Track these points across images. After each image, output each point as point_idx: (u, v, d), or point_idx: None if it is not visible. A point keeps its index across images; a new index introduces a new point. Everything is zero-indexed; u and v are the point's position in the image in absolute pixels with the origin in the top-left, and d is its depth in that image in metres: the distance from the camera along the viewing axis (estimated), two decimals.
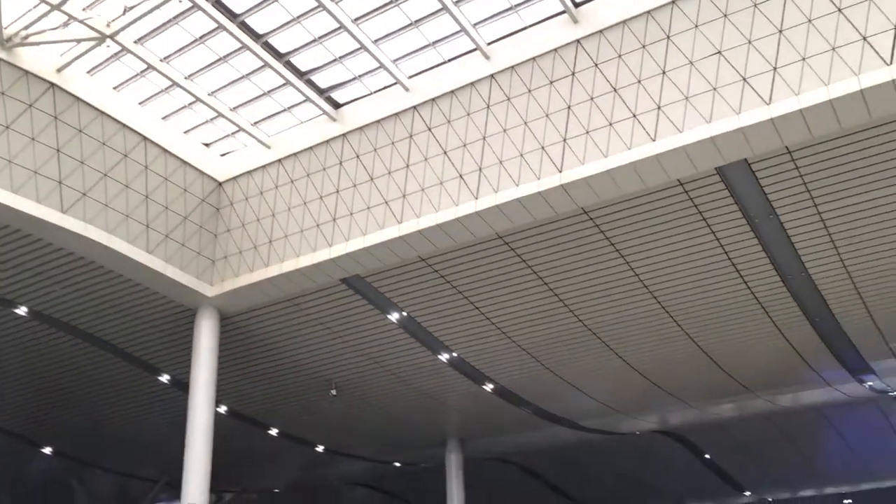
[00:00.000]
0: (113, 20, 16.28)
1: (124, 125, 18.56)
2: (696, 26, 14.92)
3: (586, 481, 44.45)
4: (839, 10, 13.67)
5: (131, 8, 15.99)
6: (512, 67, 16.79)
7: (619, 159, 15.68)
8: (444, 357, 23.99)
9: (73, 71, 17.65)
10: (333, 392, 25.61)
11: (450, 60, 17.76)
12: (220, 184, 20.60)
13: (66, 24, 16.39)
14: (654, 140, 15.36)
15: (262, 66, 17.95)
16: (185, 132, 20.14)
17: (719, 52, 14.76)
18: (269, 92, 19.01)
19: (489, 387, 26.26)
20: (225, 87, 18.84)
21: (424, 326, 22.20)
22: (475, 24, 16.79)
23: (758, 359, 24.47)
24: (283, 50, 17.81)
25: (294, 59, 18.08)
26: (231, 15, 16.70)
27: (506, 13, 16.69)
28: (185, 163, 19.76)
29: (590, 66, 16.01)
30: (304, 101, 18.96)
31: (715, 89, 14.81)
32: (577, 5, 16.13)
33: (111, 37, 16.44)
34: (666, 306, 20.73)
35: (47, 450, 34.82)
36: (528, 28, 16.88)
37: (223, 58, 17.93)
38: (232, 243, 20.55)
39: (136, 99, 19.21)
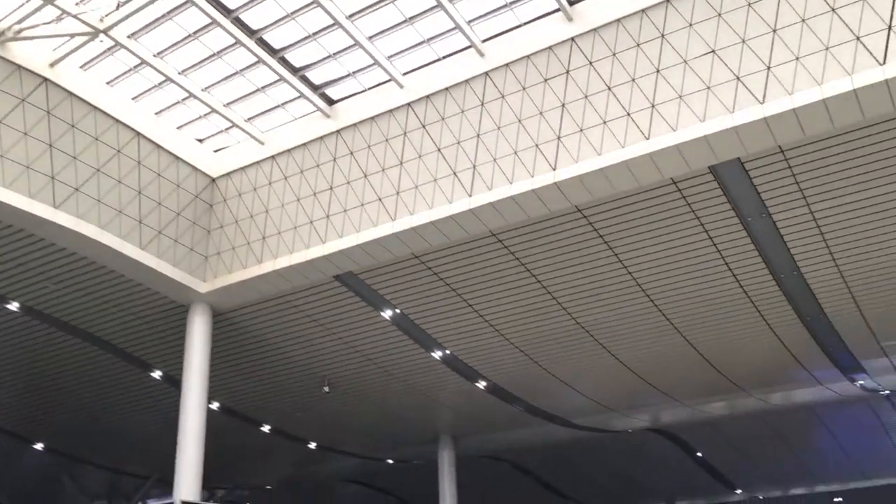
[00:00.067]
0: (106, 15, 16.19)
1: (117, 120, 18.51)
2: (691, 25, 14.94)
3: (578, 479, 44.54)
4: (833, 9, 13.70)
5: (125, 3, 15.90)
6: (506, 65, 16.79)
7: (612, 157, 15.71)
8: (437, 354, 24.00)
9: (66, 66, 17.57)
10: (326, 389, 25.60)
11: (444, 58, 17.75)
12: (213, 180, 20.56)
13: (59, 19, 16.31)
14: (647, 139, 15.39)
15: (257, 62, 17.91)
16: (178, 128, 20.08)
17: (713, 51, 14.79)
18: (263, 88, 18.98)
19: (482, 384, 26.28)
20: (219, 82, 18.78)
21: (417, 323, 22.20)
22: (470, 22, 16.78)
23: (750, 357, 24.55)
24: (277, 46, 17.77)
25: (288, 56, 18.04)
26: (225, 10, 16.65)
27: (500, 11, 16.68)
28: (178, 158, 19.71)
29: (584, 65, 16.02)
30: (299, 97, 18.93)
31: (709, 88, 14.84)
32: (571, 3, 16.13)
33: (105, 32, 16.36)
34: (659, 304, 20.77)
35: (39, 446, 34.73)
36: (522, 26, 16.88)
37: (217, 53, 17.88)
38: (225, 239, 20.51)
39: (129, 94, 19.14)
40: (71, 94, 17.64)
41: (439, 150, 17.62)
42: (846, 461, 39.70)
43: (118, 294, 21.11)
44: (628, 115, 15.59)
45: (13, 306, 21.89)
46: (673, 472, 42.37)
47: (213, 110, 19.26)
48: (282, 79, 18.27)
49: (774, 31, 14.23)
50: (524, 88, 16.64)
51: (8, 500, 40.75)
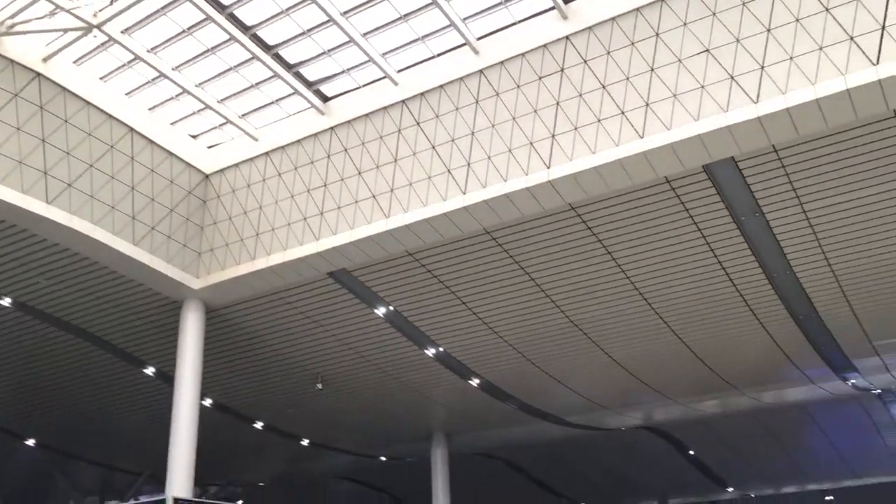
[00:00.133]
0: (100, 10, 16.13)
1: (110, 116, 18.43)
2: (685, 24, 14.96)
3: (571, 477, 44.65)
4: (826, 9, 13.73)
5: None
6: (501, 63, 16.78)
7: (606, 156, 15.72)
8: (430, 352, 24.01)
9: (59, 61, 17.49)
10: (319, 386, 25.60)
11: (439, 55, 17.74)
12: (206, 176, 20.50)
13: (52, 14, 16.22)
14: (641, 137, 15.40)
15: (251, 59, 17.86)
16: (171, 124, 20.03)
17: (707, 51, 14.81)
18: (257, 84, 18.93)
19: (475, 382, 26.30)
20: (212, 78, 18.73)
21: (411, 321, 22.20)
22: (465, 19, 16.77)
23: (743, 356, 24.61)
24: (271, 42, 17.74)
25: (282, 52, 18.01)
26: (219, 6, 16.60)
27: (495, 9, 16.67)
28: (171, 154, 19.66)
29: (579, 63, 16.03)
30: (293, 93, 18.89)
31: (703, 87, 14.86)
32: (566, 1, 16.12)
33: (98, 27, 16.30)
34: (652, 303, 20.81)
35: (31, 442, 34.66)
36: (517, 24, 16.87)
37: (211, 49, 17.83)
38: (218, 236, 20.47)
39: (122, 89, 19.07)
40: (64, 89, 17.56)
41: (434, 147, 17.61)
42: (838, 460, 39.88)
43: (111, 290, 21.06)
44: (622, 113, 15.61)
45: (5, 302, 21.83)
46: (665, 469, 42.51)
47: (207, 106, 19.21)
48: (276, 75, 18.23)
49: (768, 30, 14.25)
50: (519, 86, 16.64)
51: (0, 497, 40.66)
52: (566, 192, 16.56)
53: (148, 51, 17.79)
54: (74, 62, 18.02)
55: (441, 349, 23.83)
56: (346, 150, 18.69)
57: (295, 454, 37.23)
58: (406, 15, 16.82)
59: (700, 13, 14.80)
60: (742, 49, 14.50)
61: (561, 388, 26.90)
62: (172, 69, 18.28)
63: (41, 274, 20.38)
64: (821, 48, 13.84)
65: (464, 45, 17.19)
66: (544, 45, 16.30)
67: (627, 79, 15.56)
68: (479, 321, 22.03)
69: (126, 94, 19.15)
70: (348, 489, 48.51)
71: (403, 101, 17.88)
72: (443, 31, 17.13)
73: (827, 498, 46.50)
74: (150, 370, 25.81)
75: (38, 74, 17.15)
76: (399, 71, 18.05)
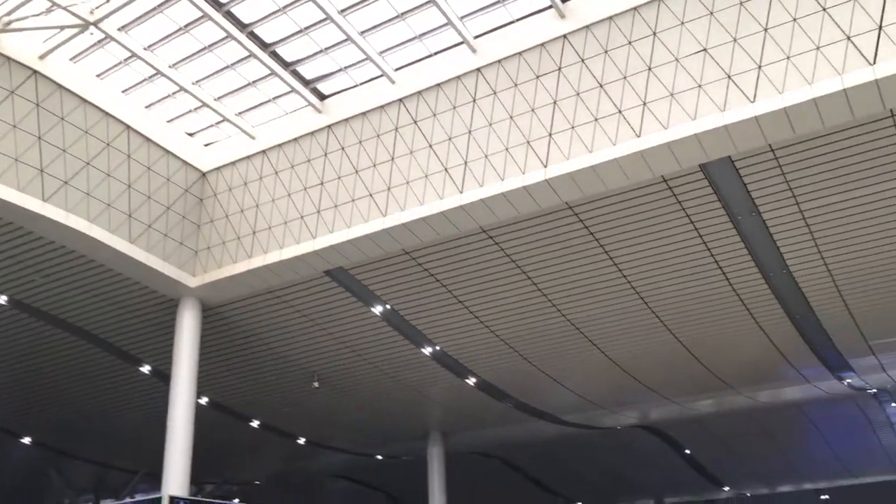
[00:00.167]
0: (97, 7, 16.12)
1: (107, 113, 18.40)
2: (682, 23, 14.97)
3: (567, 475, 44.70)
4: (824, 9, 13.75)
5: None
6: (498, 61, 16.78)
7: (603, 155, 15.72)
8: (427, 350, 24.01)
9: (55, 58, 17.46)
10: (316, 384, 25.59)
11: (436, 53, 17.73)
12: (203, 174, 20.48)
13: (49, 11, 16.21)
14: (638, 136, 15.41)
15: (248, 56, 17.84)
16: (168, 121, 19.99)
17: (705, 50, 14.81)
18: (254, 82, 18.90)
19: (472, 380, 26.31)
20: (209, 76, 18.70)
21: (408, 320, 22.20)
22: (462, 18, 16.76)
23: (739, 355, 24.65)
24: (268, 40, 17.71)
25: (280, 50, 17.98)
26: (216, 4, 16.57)
27: (493, 7, 16.67)
28: (168, 152, 19.63)
29: (576, 62, 16.03)
30: (290, 91, 18.87)
31: (700, 86, 14.87)
32: (563, 0, 16.13)
33: (95, 24, 16.28)
34: (648, 302, 20.83)
35: (26, 440, 34.60)
36: (514, 22, 16.86)
37: (208, 47, 17.80)
38: (215, 234, 20.45)
39: (119, 87, 19.04)
40: (60, 86, 17.53)
41: (430, 146, 17.60)
42: (833, 459, 39.98)
43: (107, 288, 21.02)
44: (620, 112, 15.61)
45: (1, 300, 21.77)
46: (661, 468, 42.58)
47: (204, 104, 19.18)
48: (273, 73, 18.21)
49: (766, 30, 14.26)
50: (516, 85, 16.64)
51: None
52: (563, 191, 16.56)
53: (145, 48, 17.76)
54: (71, 59, 17.99)
55: (438, 348, 23.83)
56: (343, 148, 18.67)
57: (291, 453, 37.22)
58: (403, 13, 16.81)
59: (697, 12, 14.81)
60: (739, 48, 14.51)
61: (557, 387, 26.92)
62: (169, 67, 18.25)
63: (37, 272, 20.34)
64: (818, 48, 13.85)
65: (461, 43, 17.19)
66: (542, 44, 16.30)
67: (625, 78, 15.57)
68: (476, 320, 22.03)
69: (123, 92, 19.12)
70: (344, 488, 48.52)
71: (400, 100, 17.87)
72: (440, 29, 17.12)
73: (822, 497, 46.64)
74: (146, 368, 25.78)
75: (35, 72, 17.11)
76: (396, 69, 18.04)
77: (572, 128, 16.07)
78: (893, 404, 33.01)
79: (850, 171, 15.80)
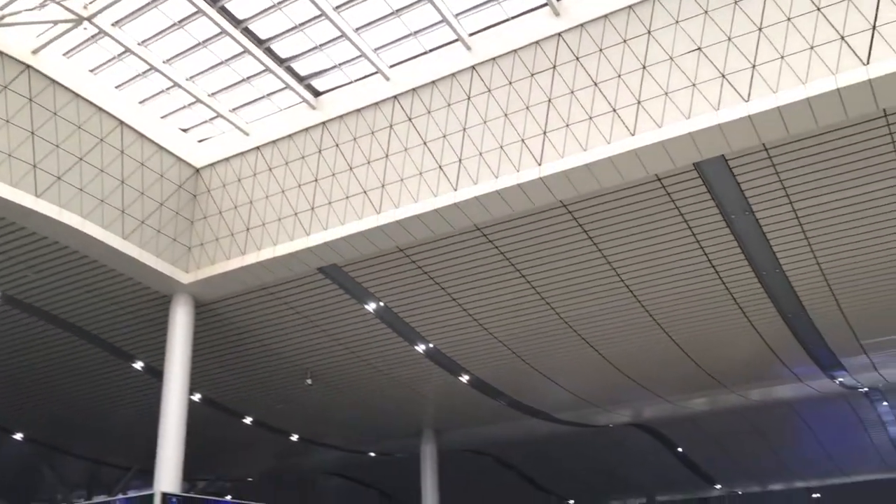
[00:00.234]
0: (91, 2, 16.05)
1: (100, 109, 18.35)
2: (677, 22, 14.98)
3: (560, 473, 44.78)
4: (818, 9, 13.78)
5: None
6: (493, 59, 16.78)
7: (598, 153, 15.73)
8: (420, 348, 24.01)
9: (49, 53, 17.39)
10: (309, 381, 25.58)
11: (431, 51, 17.72)
12: (197, 170, 20.43)
13: (42, 6, 16.13)
14: (632, 135, 15.42)
15: (242, 52, 17.79)
16: (162, 117, 19.94)
17: (699, 49, 14.84)
18: (248, 78, 18.86)
19: (465, 378, 26.33)
20: (203, 72, 18.66)
21: (401, 317, 22.20)
22: (457, 15, 16.75)
23: (731, 353, 24.72)
24: (263, 36, 17.67)
25: (274, 46, 17.95)
26: (211, 0, 16.53)
27: (488, 5, 16.66)
28: (161, 148, 19.58)
29: (571, 60, 16.03)
30: (284, 88, 18.84)
31: (694, 85, 14.89)
32: None
33: (89, 19, 16.22)
34: (641, 300, 20.87)
35: (19, 436, 34.50)
36: (509, 20, 16.86)
37: (202, 43, 17.75)
38: (209, 230, 20.41)
39: (112, 82, 18.98)
40: (54, 81, 17.47)
41: (425, 143, 17.59)
42: (825, 457, 40.11)
43: (100, 284, 20.97)
44: (614, 111, 15.62)
45: None
46: (653, 466, 42.69)
47: (198, 100, 19.12)
48: (267, 69, 18.17)
49: (760, 29, 14.29)
50: (510, 83, 16.64)
51: None
52: (557, 189, 16.57)
53: (139, 43, 17.70)
54: (64, 54, 17.92)
55: (431, 345, 23.84)
56: (337, 145, 18.65)
57: (284, 449, 37.19)
58: (398, 10, 16.79)
59: (692, 11, 14.83)
60: (733, 48, 14.53)
61: (550, 385, 26.95)
62: (163, 62, 18.19)
63: (30, 267, 20.27)
64: (812, 47, 13.88)
65: (456, 41, 17.18)
66: (536, 42, 16.30)
67: (619, 76, 15.58)
68: (470, 317, 22.04)
69: (116, 87, 19.06)
70: (337, 485, 48.53)
71: (395, 97, 17.86)
72: (435, 26, 17.11)
73: (814, 495, 46.80)
74: (138, 364, 25.74)
75: (28, 66, 17.04)
76: (391, 66, 18.02)
77: (567, 126, 16.07)
78: (885, 403, 33.15)
79: (843, 170, 15.85)
